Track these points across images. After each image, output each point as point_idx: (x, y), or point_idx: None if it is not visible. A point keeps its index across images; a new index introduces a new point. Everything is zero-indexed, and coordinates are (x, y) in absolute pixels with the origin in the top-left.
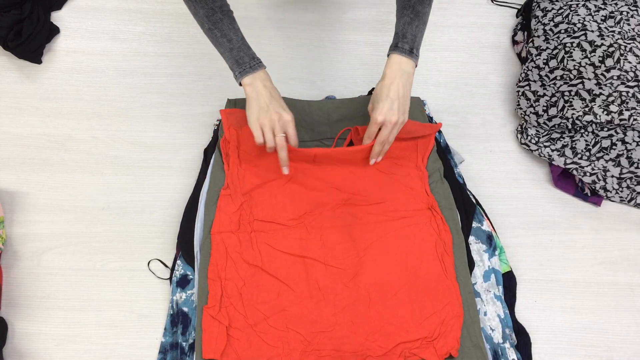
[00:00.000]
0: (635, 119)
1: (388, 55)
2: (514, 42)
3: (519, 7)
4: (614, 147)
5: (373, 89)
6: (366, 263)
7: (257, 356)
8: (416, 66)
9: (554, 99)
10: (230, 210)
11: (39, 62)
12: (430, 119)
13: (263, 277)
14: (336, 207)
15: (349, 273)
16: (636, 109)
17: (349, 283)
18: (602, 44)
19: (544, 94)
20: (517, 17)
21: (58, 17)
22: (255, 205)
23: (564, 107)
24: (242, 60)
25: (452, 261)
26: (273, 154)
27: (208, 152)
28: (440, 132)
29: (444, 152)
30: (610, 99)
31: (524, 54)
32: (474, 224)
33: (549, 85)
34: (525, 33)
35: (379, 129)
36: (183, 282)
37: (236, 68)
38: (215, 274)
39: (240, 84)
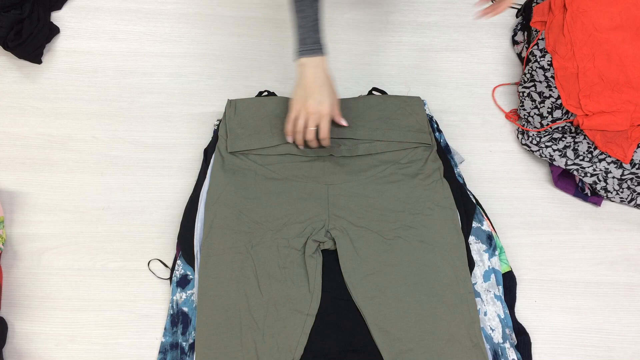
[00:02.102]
0: None
1: None
2: (514, 42)
3: (519, 7)
4: None
5: (374, 88)
6: None
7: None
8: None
9: (559, 101)
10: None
11: (39, 62)
12: (431, 119)
13: None
14: None
15: None
16: None
17: None
18: None
19: (550, 96)
20: (517, 17)
21: (58, 17)
22: None
23: None
24: (305, 41)
25: None
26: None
27: (208, 152)
28: (440, 131)
29: (444, 152)
30: None
31: (524, 54)
32: (474, 224)
33: (554, 87)
34: (525, 33)
35: None
36: (183, 282)
37: (297, 46)
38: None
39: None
